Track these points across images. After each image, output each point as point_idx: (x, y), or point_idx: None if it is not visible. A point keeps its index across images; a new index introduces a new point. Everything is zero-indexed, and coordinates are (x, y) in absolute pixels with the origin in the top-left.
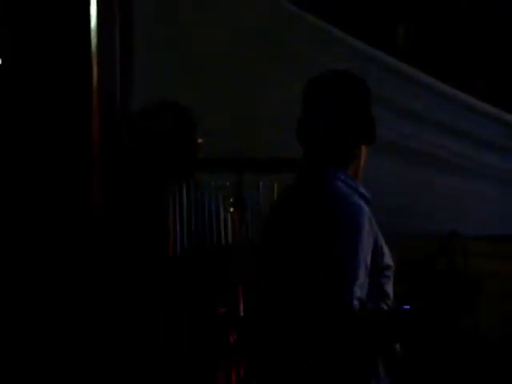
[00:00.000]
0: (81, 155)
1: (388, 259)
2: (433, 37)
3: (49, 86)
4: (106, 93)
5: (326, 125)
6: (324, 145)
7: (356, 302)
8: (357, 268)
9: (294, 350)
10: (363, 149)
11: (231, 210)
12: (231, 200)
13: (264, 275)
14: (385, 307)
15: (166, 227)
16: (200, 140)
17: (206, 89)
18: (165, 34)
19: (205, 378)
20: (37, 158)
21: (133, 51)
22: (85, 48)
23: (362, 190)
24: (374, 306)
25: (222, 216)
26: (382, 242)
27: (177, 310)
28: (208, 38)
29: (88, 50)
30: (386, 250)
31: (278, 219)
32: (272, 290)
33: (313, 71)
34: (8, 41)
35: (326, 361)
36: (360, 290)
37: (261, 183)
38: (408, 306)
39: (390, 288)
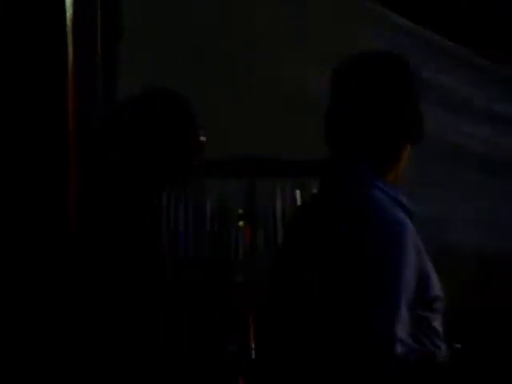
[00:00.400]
0: (52, 155)
1: (436, 288)
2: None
3: (13, 69)
4: (83, 79)
5: (353, 120)
6: (355, 145)
7: (399, 347)
8: (398, 302)
9: (303, 352)
10: (406, 149)
11: (240, 224)
12: (240, 211)
13: (280, 286)
14: (433, 348)
15: (159, 245)
16: (202, 138)
17: (208, 77)
18: (158, 10)
19: None
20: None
21: (119, 29)
22: (57, 21)
23: (404, 200)
24: (420, 346)
25: (228, 231)
26: (428, 266)
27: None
28: (209, 15)
29: (61, 24)
30: (433, 276)
31: (299, 235)
32: (285, 295)
33: (342, 52)
34: None
35: (336, 361)
36: (402, 329)
37: (278, 191)
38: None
39: (438, 323)
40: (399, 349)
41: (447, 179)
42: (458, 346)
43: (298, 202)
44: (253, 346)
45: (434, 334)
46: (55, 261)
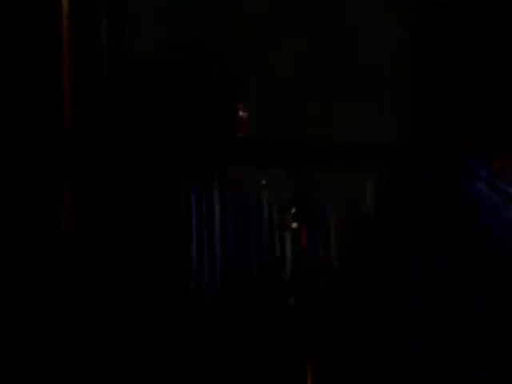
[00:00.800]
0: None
1: None
2: None
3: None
4: (82, 40)
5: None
6: (449, 121)
7: None
8: None
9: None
10: None
11: (293, 225)
12: (293, 210)
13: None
14: None
15: (182, 250)
16: (242, 112)
17: (252, 33)
18: None
19: None
20: None
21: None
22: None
23: None
24: None
25: (277, 235)
26: None
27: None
28: None
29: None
30: None
31: (379, 245)
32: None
33: None
34: None
35: None
36: None
37: (340, 184)
38: None
39: None
40: None
41: None
42: None
43: (367, 197)
44: None
45: None
46: (47, 259)
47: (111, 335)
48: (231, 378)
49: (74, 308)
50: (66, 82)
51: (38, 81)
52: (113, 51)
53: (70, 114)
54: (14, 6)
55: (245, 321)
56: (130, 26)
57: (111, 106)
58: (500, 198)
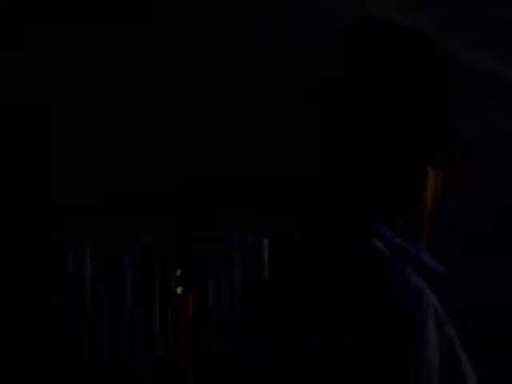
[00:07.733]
0: None
1: None
2: None
3: None
4: None
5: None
6: (350, 170)
7: None
8: None
9: None
10: (432, 175)
11: (177, 289)
12: (179, 273)
13: None
14: None
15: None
16: None
17: None
18: None
19: None
20: None
21: None
22: None
23: (425, 256)
24: None
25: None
26: (460, 356)
27: None
28: None
29: None
30: (469, 372)
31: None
32: None
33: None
34: None
35: None
36: None
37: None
38: None
39: None
40: None
41: None
42: None
43: (266, 258)
44: None
45: None
46: None
47: None
48: None
49: None
50: None
51: None
52: None
53: None
54: None
55: None
56: None
57: None
58: (400, 263)
